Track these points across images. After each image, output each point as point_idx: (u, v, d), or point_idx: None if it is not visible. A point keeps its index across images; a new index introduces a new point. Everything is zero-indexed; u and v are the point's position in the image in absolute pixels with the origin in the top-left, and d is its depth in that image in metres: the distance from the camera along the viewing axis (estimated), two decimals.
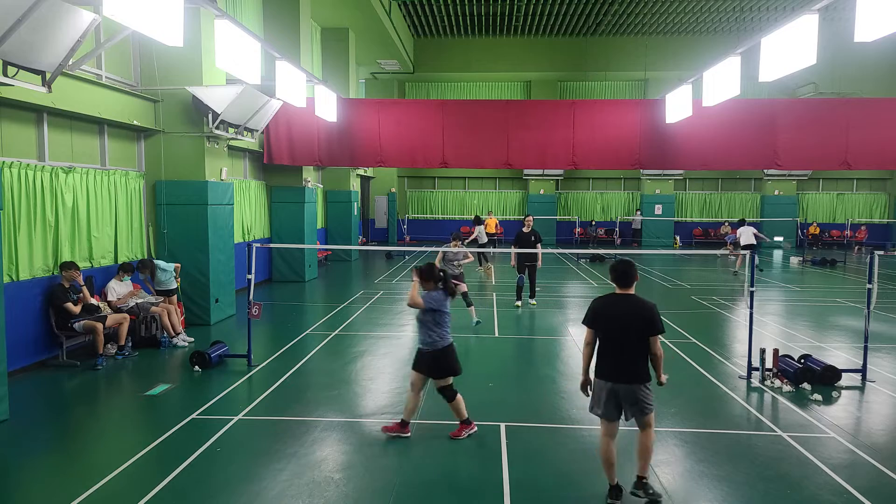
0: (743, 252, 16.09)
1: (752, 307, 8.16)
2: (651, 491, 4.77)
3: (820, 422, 6.59)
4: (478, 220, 18.79)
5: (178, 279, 10.34)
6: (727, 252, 17.47)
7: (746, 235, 17.62)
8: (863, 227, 28.67)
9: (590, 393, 4.95)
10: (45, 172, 8.52)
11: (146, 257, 10.63)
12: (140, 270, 9.93)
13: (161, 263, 10.15)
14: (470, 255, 11.75)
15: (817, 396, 7.38)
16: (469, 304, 11.16)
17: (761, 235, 17.98)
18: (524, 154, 14.30)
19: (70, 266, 8.49)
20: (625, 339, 4.71)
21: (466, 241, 18.84)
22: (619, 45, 27.32)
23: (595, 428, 6.29)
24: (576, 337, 10.43)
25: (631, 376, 4.71)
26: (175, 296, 10.24)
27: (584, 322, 4.93)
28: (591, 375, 4.97)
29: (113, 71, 10.13)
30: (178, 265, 10.41)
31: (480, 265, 18.45)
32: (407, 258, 22.38)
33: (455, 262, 11.20)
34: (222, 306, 11.58)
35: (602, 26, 25.96)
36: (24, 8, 6.08)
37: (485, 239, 18.72)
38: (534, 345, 10.11)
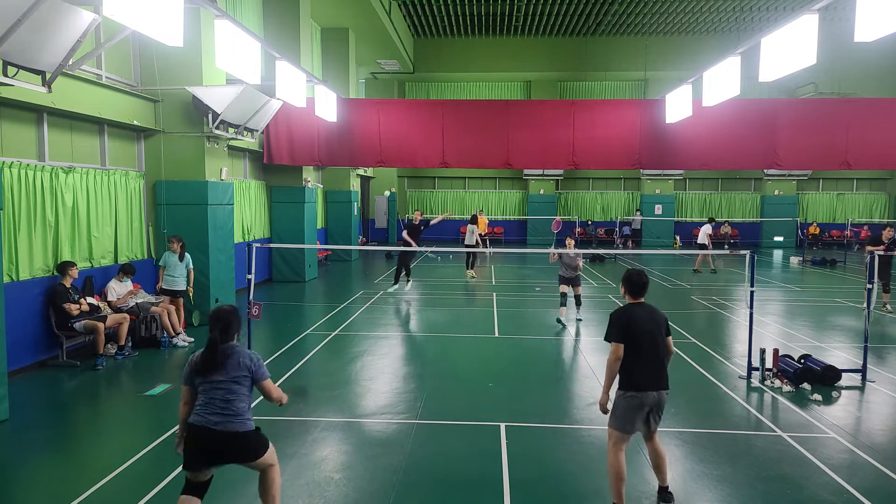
0: (703, 252, 17.18)
1: (752, 307, 8.15)
2: (672, 497, 4.88)
3: (820, 422, 6.59)
4: (473, 220, 18.02)
5: (191, 288, 10.30)
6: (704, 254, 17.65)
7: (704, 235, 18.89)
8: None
9: (608, 411, 4.76)
10: (45, 172, 8.52)
11: (166, 251, 10.37)
12: (171, 241, 9.97)
13: (188, 259, 10.19)
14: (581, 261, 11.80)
15: (817, 396, 7.38)
16: (578, 304, 11.62)
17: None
18: (524, 154, 14.29)
19: (68, 266, 8.49)
20: (655, 347, 4.69)
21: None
22: (619, 45, 27.32)
23: (596, 428, 6.31)
24: (576, 337, 10.44)
25: (664, 382, 4.70)
26: (181, 298, 10.22)
27: (613, 339, 4.65)
28: (612, 393, 4.82)
29: (113, 71, 10.13)
30: (192, 270, 10.34)
31: (468, 268, 17.81)
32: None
33: (571, 266, 11.13)
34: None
35: (602, 26, 25.96)
36: (24, 8, 6.08)
37: (470, 240, 17.61)
38: (534, 345, 10.11)
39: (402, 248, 13.76)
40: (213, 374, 4.03)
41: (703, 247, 18.66)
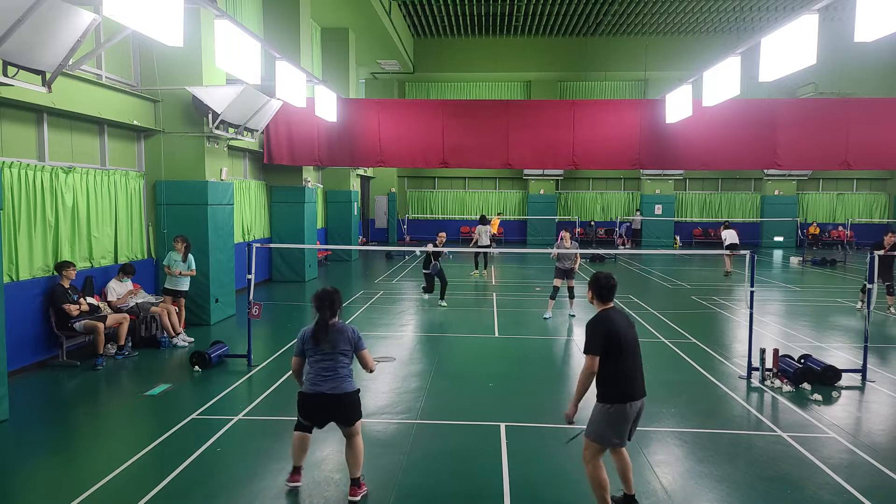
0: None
1: (752, 307, 8.16)
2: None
3: (820, 422, 6.60)
4: (483, 220, 18.21)
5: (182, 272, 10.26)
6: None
7: (731, 236, 18.57)
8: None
9: (574, 422, 4.56)
10: (45, 172, 8.52)
11: (174, 248, 10.26)
12: (177, 241, 9.99)
13: (191, 260, 10.20)
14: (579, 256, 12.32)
15: (817, 396, 7.38)
16: (572, 297, 12.13)
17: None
18: (524, 154, 14.29)
19: (67, 266, 8.48)
20: (636, 353, 4.51)
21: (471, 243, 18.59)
22: (619, 45, 27.33)
23: None
24: (576, 337, 10.44)
25: (644, 388, 4.55)
26: (183, 298, 10.21)
27: (594, 351, 4.33)
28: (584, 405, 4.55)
29: (113, 71, 10.13)
30: (194, 271, 10.30)
31: (477, 267, 18.19)
32: (407, 258, 22.37)
33: (568, 260, 11.78)
34: (222, 306, 11.58)
35: (602, 26, 25.97)
36: (24, 8, 6.08)
37: (486, 241, 17.94)
38: (534, 345, 10.11)
39: (425, 255, 13.87)
40: (323, 345, 4.69)
41: (733, 247, 18.31)
